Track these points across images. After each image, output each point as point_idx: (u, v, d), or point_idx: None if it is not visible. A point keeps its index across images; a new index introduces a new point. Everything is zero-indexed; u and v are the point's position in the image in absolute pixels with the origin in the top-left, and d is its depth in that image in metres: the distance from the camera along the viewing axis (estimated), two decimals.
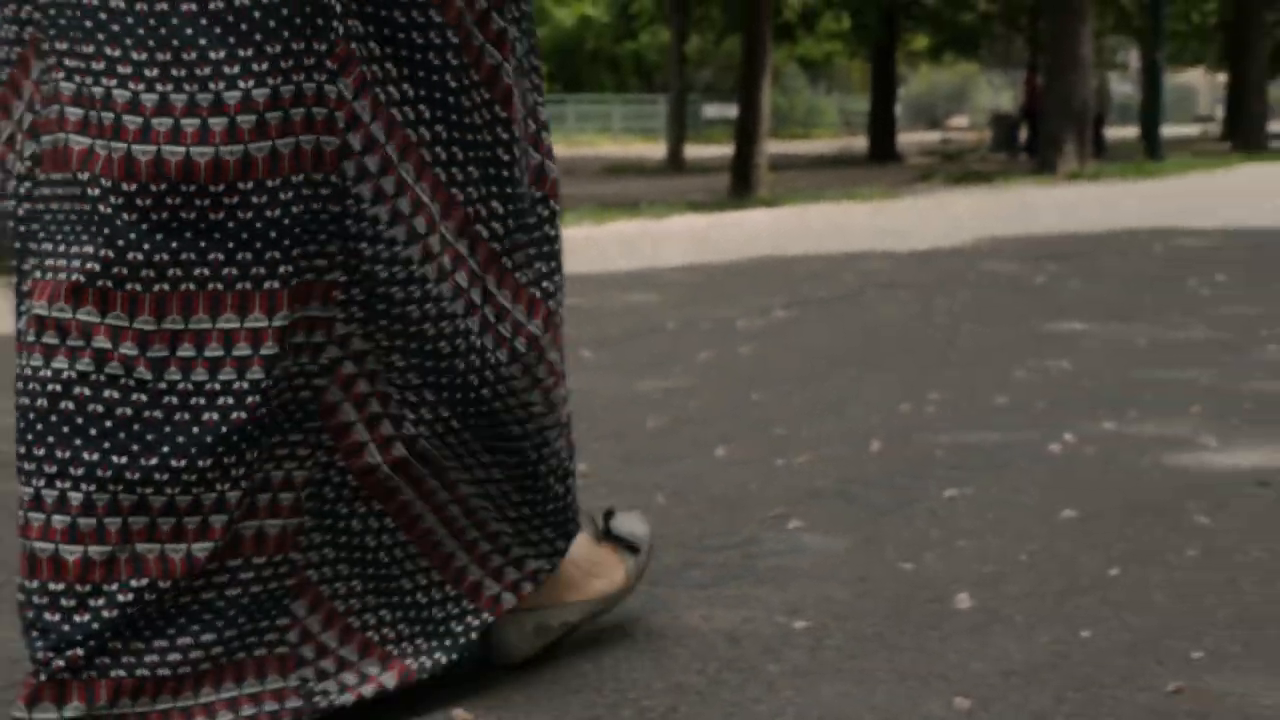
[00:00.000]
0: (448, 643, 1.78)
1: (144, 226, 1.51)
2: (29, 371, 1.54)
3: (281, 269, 1.56)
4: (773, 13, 23.81)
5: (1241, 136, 25.62)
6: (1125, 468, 2.99)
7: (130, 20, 1.51)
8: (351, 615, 1.72)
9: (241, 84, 1.51)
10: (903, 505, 2.73)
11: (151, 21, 1.50)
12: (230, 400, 1.55)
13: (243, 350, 1.55)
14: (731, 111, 25.78)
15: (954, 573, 2.30)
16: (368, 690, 1.70)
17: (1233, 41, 27.89)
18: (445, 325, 1.67)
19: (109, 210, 1.51)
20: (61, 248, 1.55)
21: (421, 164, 1.65)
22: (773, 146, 16.99)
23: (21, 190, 1.61)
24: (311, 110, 1.54)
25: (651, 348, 4.75)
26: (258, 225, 1.54)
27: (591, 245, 8.74)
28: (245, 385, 1.55)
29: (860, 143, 32.67)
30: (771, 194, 13.46)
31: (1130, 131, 39.59)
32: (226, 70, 1.50)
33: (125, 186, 1.50)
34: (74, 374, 1.52)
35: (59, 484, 1.53)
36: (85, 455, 1.53)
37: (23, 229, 1.60)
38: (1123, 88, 56.08)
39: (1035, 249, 8.04)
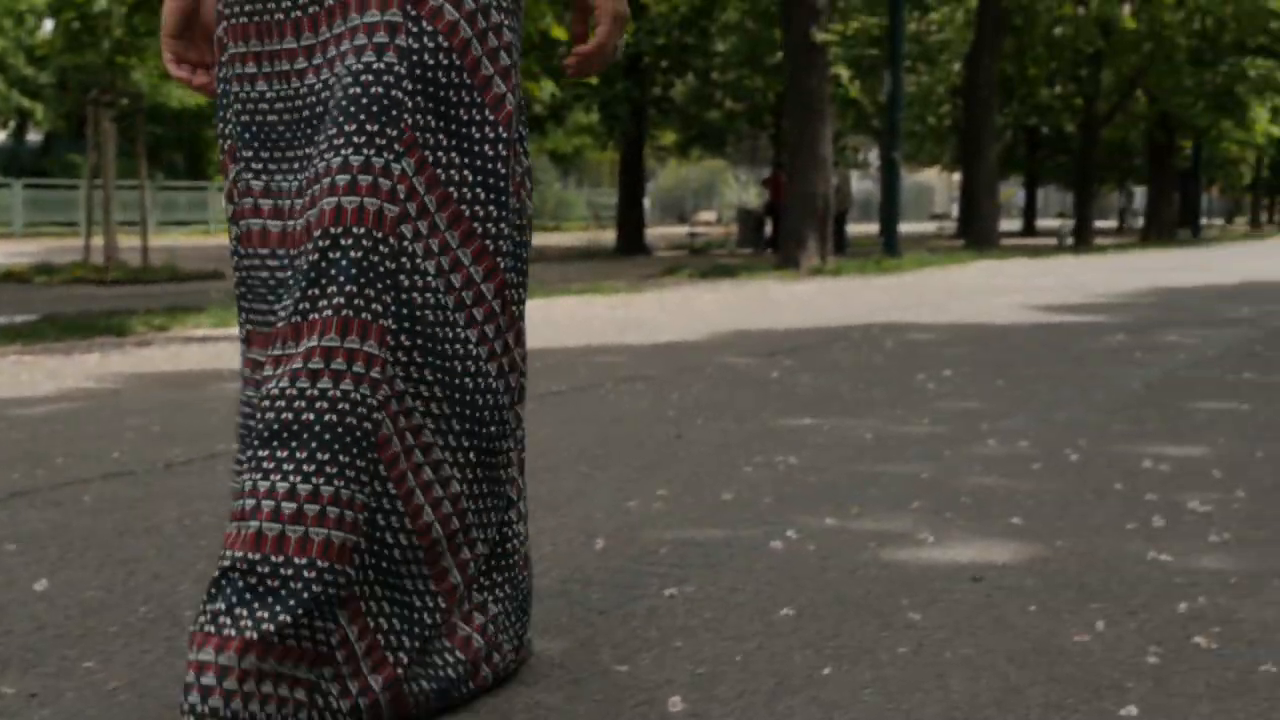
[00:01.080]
0: (430, 671, 2.07)
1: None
2: (265, 392, 1.96)
3: (356, 301, 1.96)
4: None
5: (974, 234, 26.56)
6: (844, 564, 3.02)
7: (285, 131, 2.12)
8: (379, 634, 2.00)
9: (336, 155, 1.98)
10: (622, 604, 2.71)
11: (295, 129, 2.11)
12: (364, 410, 1.95)
13: (359, 368, 1.95)
14: None
15: (667, 674, 2.28)
16: (362, 702, 1.96)
17: (965, 144, 28.97)
18: (470, 364, 2.08)
19: (303, 264, 1.99)
20: (263, 305, 2.17)
21: (459, 218, 2.06)
22: None
23: (233, 264, 2.23)
24: (378, 180, 1.98)
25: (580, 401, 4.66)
26: (343, 263, 1.96)
27: None
28: (363, 396, 1.95)
29: (609, 236, 33.01)
30: None
31: (872, 227, 40.81)
32: (326, 146, 2.00)
33: (293, 251, 2.05)
34: (295, 391, 1.93)
35: (291, 478, 1.90)
36: (319, 455, 1.91)
37: (236, 293, 2.25)
38: (864, 185, 57.78)
39: (773, 343, 8.17)
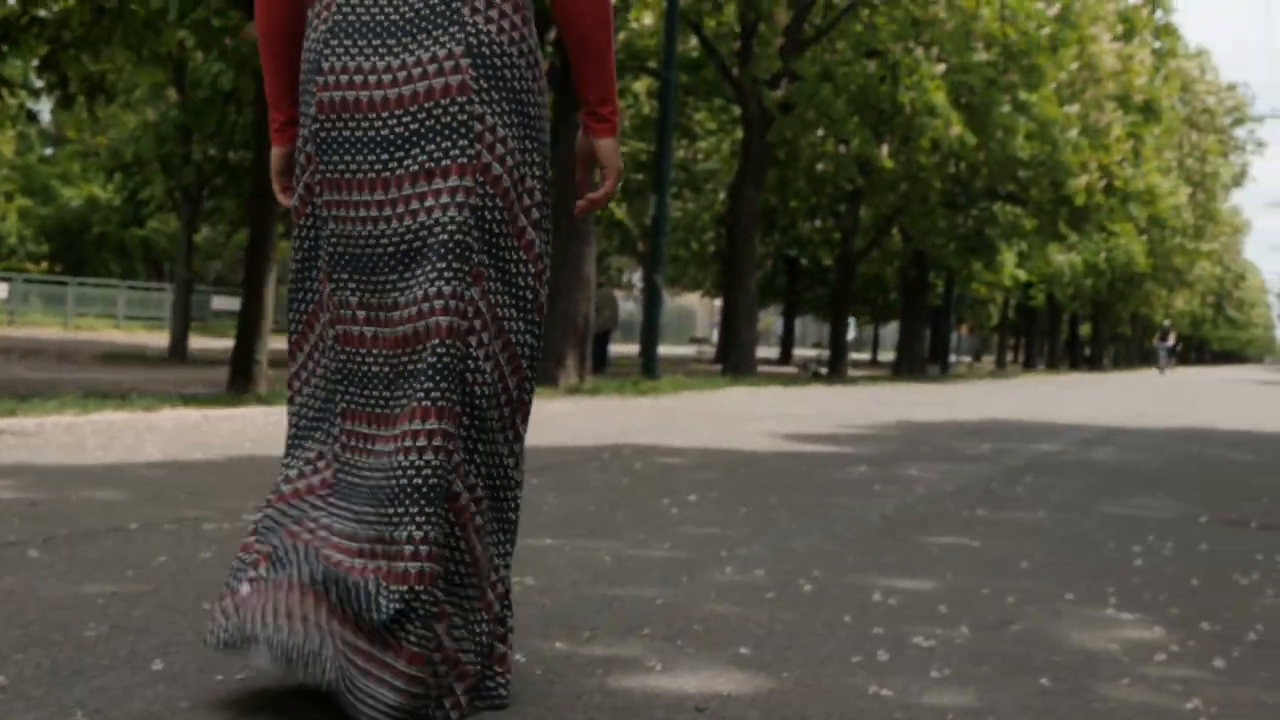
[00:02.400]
0: (487, 682, 2.85)
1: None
2: (386, 463, 2.70)
3: (437, 394, 2.68)
4: (281, 208, 23.74)
5: (732, 360, 26.98)
6: (569, 690, 2.99)
7: (371, 262, 2.79)
8: (455, 642, 2.75)
9: (432, 285, 2.71)
10: None
11: (381, 261, 2.79)
12: (443, 473, 2.70)
13: (438, 442, 2.70)
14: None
15: None
16: (451, 708, 2.71)
17: (727, 271, 29.51)
18: (501, 435, 2.85)
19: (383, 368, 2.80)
20: (359, 388, 2.83)
21: (502, 332, 2.80)
22: (281, 343, 16.73)
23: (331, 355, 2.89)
24: (458, 304, 2.71)
25: (107, 549, 4.50)
26: (438, 365, 2.70)
27: (68, 436, 8.33)
28: (441, 462, 2.69)
29: None
30: (270, 391, 13.22)
31: (634, 348, 41.20)
32: (424, 277, 2.72)
33: (389, 351, 2.77)
34: (407, 463, 2.66)
35: (408, 528, 2.65)
36: (426, 509, 2.66)
37: (332, 379, 2.89)
38: (627, 306, 58.45)
39: (529, 460, 8.13)
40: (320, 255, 2.89)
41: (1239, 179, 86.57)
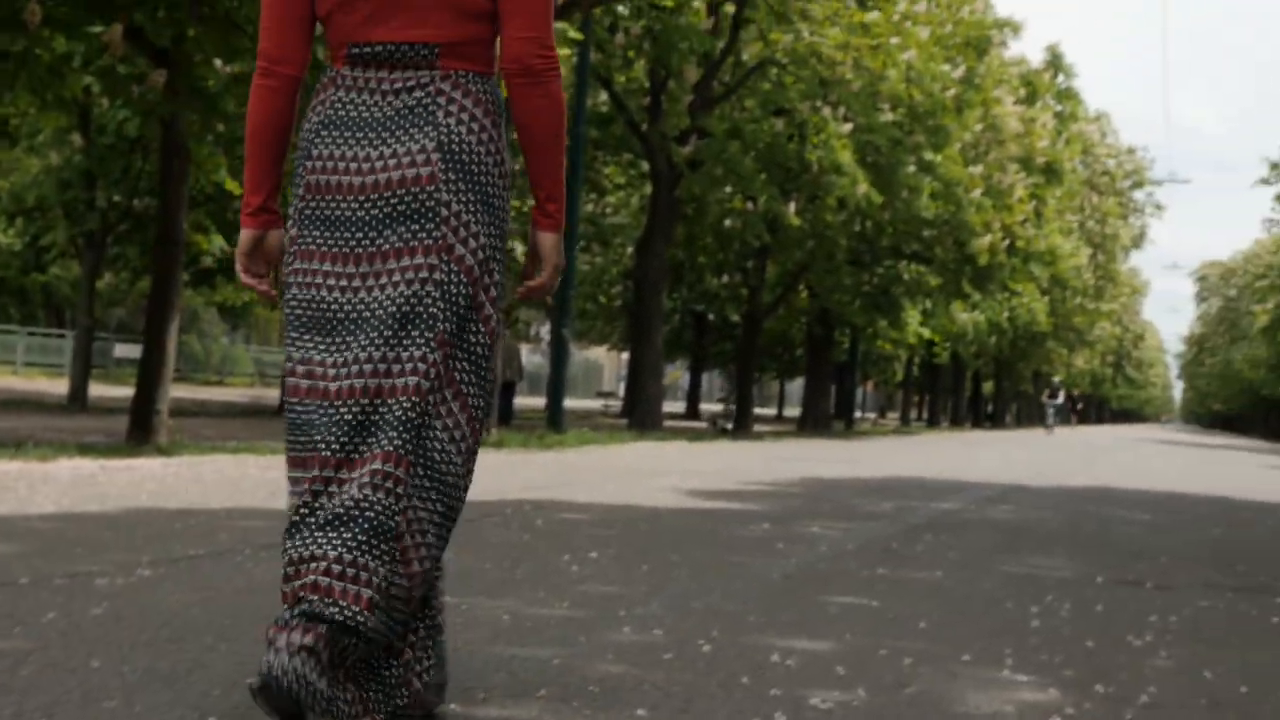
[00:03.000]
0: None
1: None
2: (343, 497, 3.04)
3: (399, 444, 3.06)
4: (191, 257, 23.45)
5: (638, 415, 26.98)
6: None
7: (339, 325, 3.16)
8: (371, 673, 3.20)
9: (400, 347, 3.09)
10: None
11: (348, 325, 3.14)
12: (391, 513, 3.09)
13: (390, 484, 3.07)
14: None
15: None
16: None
17: (634, 325, 29.56)
18: (453, 477, 3.18)
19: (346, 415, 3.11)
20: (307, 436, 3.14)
21: (459, 394, 3.17)
22: (184, 392, 16.58)
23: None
24: (421, 365, 3.08)
25: None
26: (401, 418, 3.09)
27: None
28: (391, 504, 3.09)
29: (274, 394, 32.42)
30: (170, 442, 13.04)
31: (541, 401, 41.10)
32: (394, 339, 3.10)
33: (351, 401, 3.10)
34: (360, 496, 3.03)
35: (340, 549, 3.00)
36: (363, 539, 3.03)
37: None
38: (534, 359, 58.39)
39: None
40: (285, 318, 3.27)
41: (1138, 241, 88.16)
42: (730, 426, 31.59)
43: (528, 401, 40.99)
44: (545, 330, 51.82)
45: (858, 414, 55.79)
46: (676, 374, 61.88)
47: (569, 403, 25.34)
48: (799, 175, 27.87)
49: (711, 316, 44.77)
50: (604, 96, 28.00)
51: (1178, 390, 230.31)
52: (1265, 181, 69.13)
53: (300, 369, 3.17)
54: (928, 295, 39.27)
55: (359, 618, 2.93)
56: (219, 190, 20.99)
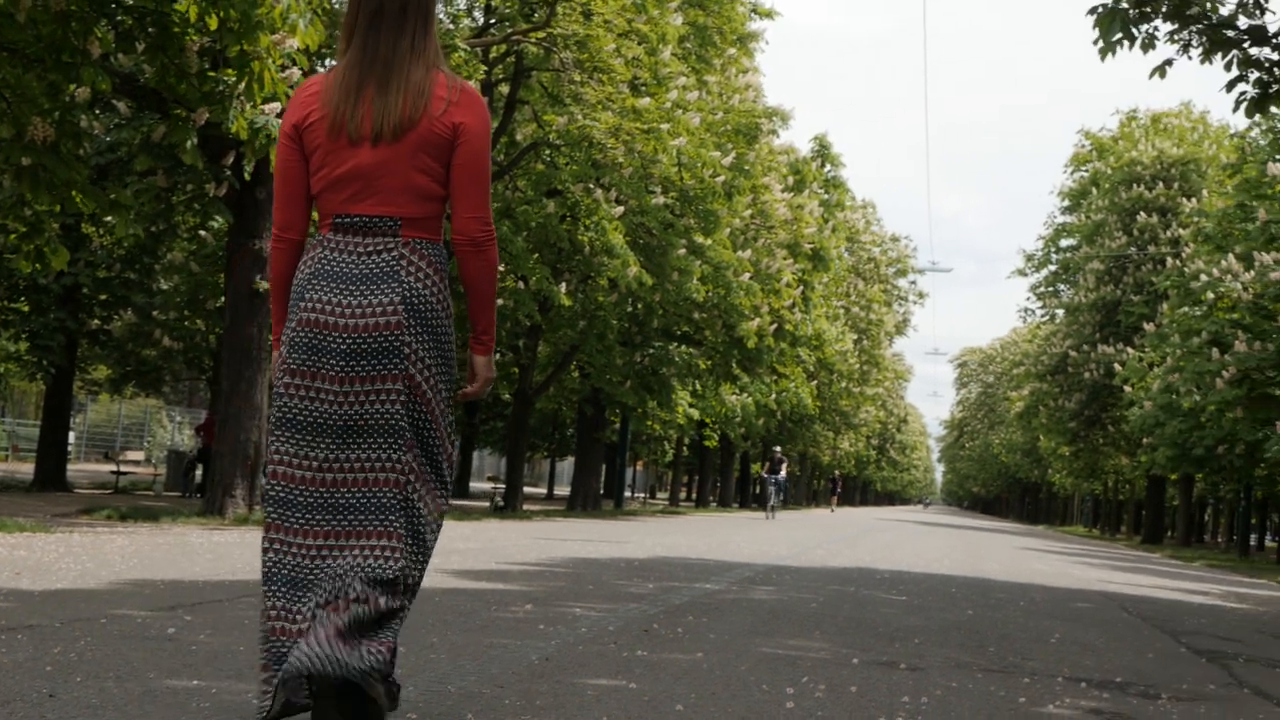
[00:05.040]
0: None
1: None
2: (348, 563, 4.10)
3: (391, 522, 4.17)
4: None
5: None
6: None
7: (320, 430, 4.17)
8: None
9: (382, 452, 4.15)
10: None
11: (326, 432, 4.16)
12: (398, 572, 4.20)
13: (397, 546, 4.17)
14: None
15: None
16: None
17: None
18: (429, 524, 4.25)
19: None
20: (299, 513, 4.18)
21: (428, 483, 4.27)
22: None
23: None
24: (400, 465, 4.15)
25: None
26: (389, 502, 4.21)
27: None
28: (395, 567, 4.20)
29: (29, 469, 31.34)
30: None
31: None
32: (376, 445, 4.16)
33: (333, 490, 4.22)
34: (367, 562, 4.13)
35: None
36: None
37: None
38: None
39: (178, 596, 7.87)
40: (270, 417, 4.22)
41: (901, 327, 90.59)
42: (502, 504, 31.46)
43: None
44: None
45: (628, 493, 56.02)
46: None
47: None
48: (571, 256, 28.04)
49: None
50: None
51: (939, 473, 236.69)
52: (1021, 273, 71.87)
53: (280, 459, 4.16)
54: (697, 377, 39.71)
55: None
56: None
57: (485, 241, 4.30)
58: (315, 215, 4.34)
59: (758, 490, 76.43)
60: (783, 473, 47.39)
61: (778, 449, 49.74)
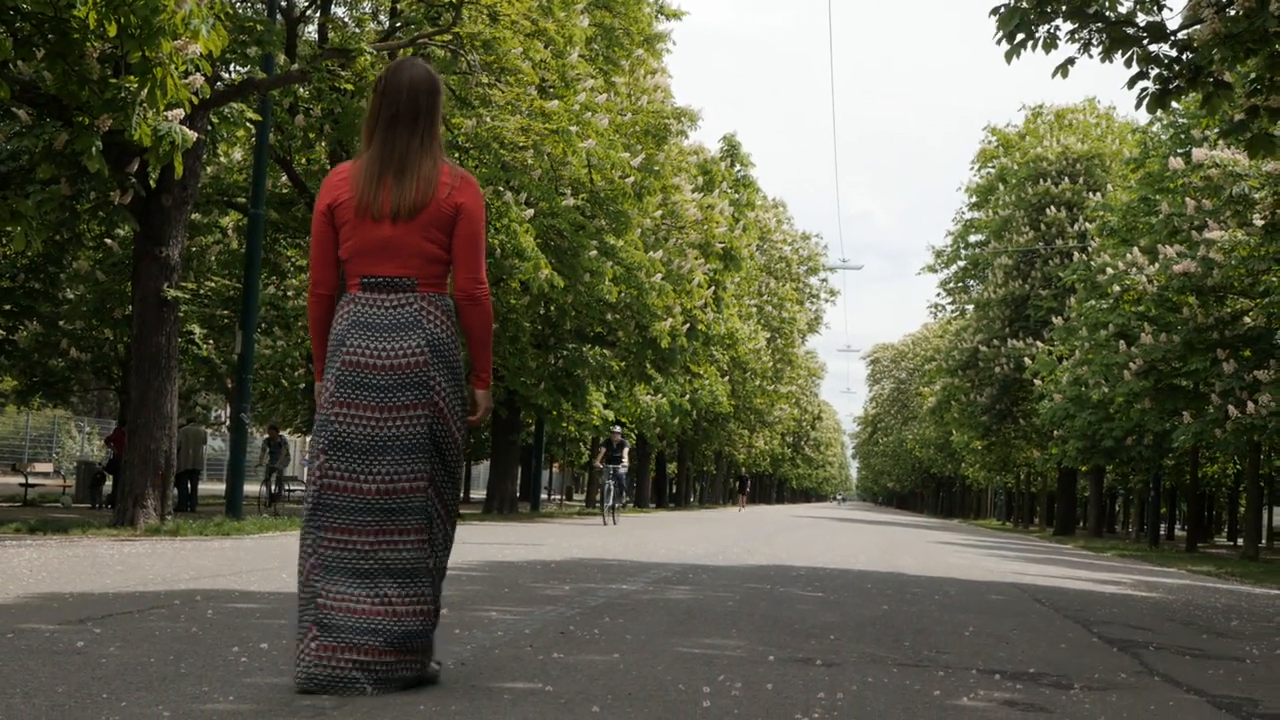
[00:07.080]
0: None
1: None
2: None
3: (422, 530, 5.46)
4: None
5: None
6: None
7: (358, 449, 5.42)
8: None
9: (410, 468, 5.43)
10: None
11: (365, 452, 5.38)
12: (423, 555, 5.52)
13: (421, 538, 5.53)
14: None
15: None
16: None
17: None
18: (441, 535, 5.49)
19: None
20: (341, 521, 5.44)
21: (443, 495, 5.47)
22: None
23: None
24: (426, 480, 5.40)
25: None
26: (418, 514, 5.44)
27: None
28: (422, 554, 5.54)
29: None
30: None
31: (222, 487, 40.01)
32: (403, 463, 5.41)
33: (372, 497, 5.47)
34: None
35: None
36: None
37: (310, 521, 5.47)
38: (216, 443, 56.90)
39: (87, 608, 7.76)
40: (319, 440, 5.36)
41: (814, 325, 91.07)
42: None
43: (211, 488, 39.93)
44: (226, 414, 50.55)
45: (544, 496, 55.91)
46: None
47: (250, 488, 24.66)
48: None
49: None
50: (285, 179, 27.66)
51: (854, 469, 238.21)
52: (931, 269, 72.45)
53: (334, 475, 5.29)
54: (611, 378, 39.73)
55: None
56: None
57: (481, 296, 5.47)
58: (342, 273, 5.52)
59: (674, 490, 76.27)
60: (625, 459, 33.69)
61: (617, 428, 35.71)
